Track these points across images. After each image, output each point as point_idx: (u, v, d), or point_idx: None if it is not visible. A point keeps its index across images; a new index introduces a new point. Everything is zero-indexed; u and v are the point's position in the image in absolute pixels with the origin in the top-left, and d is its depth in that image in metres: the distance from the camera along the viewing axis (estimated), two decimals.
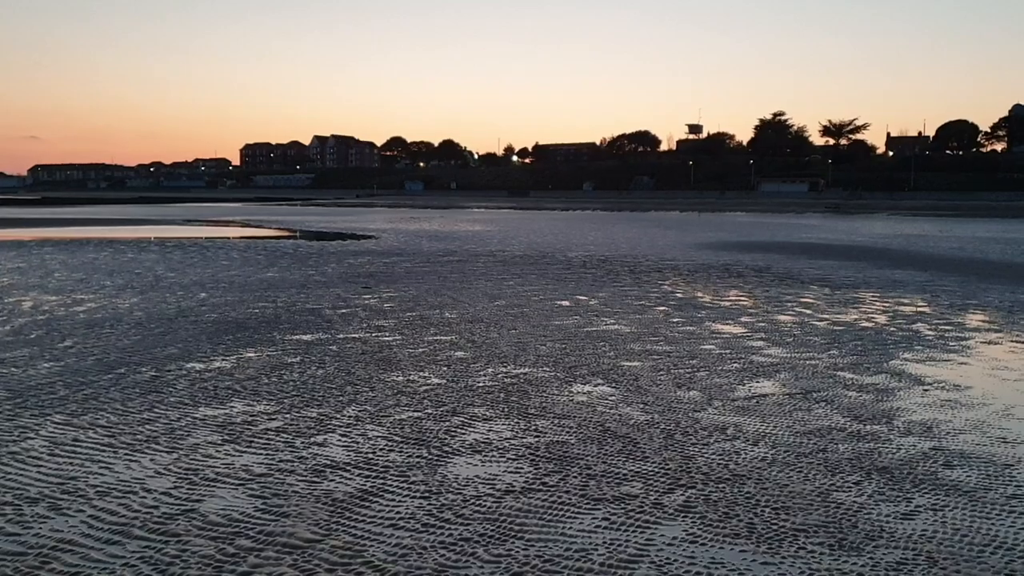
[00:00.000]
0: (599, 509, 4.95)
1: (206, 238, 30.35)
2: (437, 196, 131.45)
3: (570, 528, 4.68)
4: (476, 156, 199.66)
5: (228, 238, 30.70)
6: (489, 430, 6.53)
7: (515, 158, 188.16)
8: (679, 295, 14.69)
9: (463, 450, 6.04)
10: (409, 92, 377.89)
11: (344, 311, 12.52)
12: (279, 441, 6.22)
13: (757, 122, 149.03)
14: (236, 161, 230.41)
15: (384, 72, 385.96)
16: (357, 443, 6.18)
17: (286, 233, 34.81)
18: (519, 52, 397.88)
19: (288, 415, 6.91)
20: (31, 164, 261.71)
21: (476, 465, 5.72)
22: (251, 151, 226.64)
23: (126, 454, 5.88)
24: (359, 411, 7.04)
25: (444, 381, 8.14)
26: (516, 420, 6.81)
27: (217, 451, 5.97)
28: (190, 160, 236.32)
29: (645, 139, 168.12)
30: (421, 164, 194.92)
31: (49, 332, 10.59)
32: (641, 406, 7.24)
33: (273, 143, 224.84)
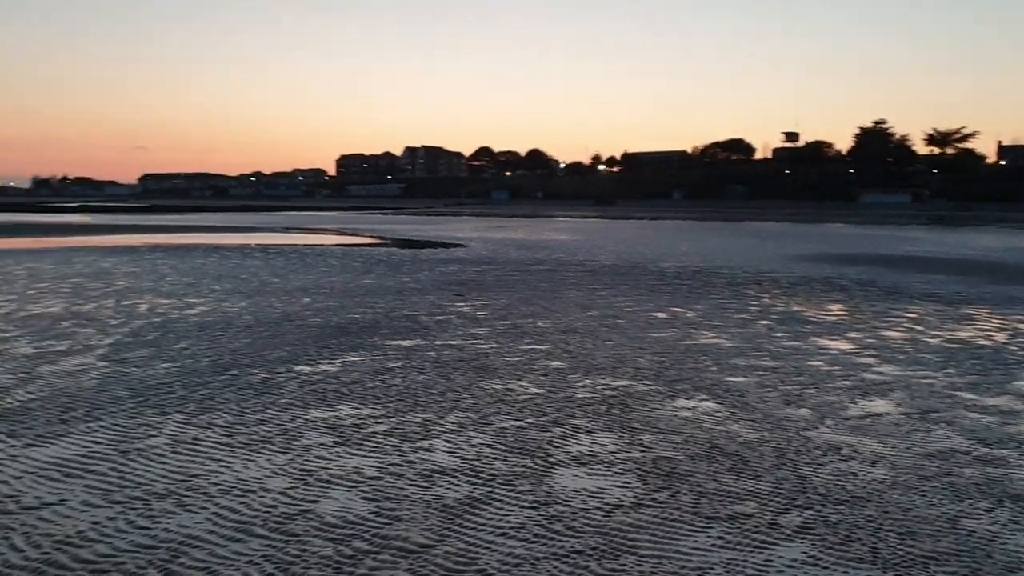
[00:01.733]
0: (713, 527, 4.83)
1: (305, 245, 31.34)
2: (523, 205, 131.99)
3: (684, 546, 4.58)
4: (562, 165, 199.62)
5: (326, 245, 31.61)
6: (592, 443, 6.47)
7: (602, 167, 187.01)
8: (780, 309, 14.27)
9: (568, 461, 6.01)
10: (497, 102, 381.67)
11: (439, 318, 12.68)
12: (387, 445, 6.33)
13: (857, 130, 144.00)
14: (331, 171, 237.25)
15: (473, 82, 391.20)
16: (462, 450, 6.23)
17: (380, 241, 35.60)
18: (608, 59, 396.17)
19: (394, 419, 7.03)
20: (140, 173, 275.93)
21: (582, 478, 5.68)
22: (345, 161, 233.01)
23: (243, 454, 6.09)
24: (461, 417, 7.10)
25: (543, 391, 8.13)
26: (619, 433, 6.73)
27: (329, 453, 6.12)
28: (288, 170, 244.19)
29: (739, 147, 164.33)
30: (508, 173, 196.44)
31: (165, 334, 11.12)
32: (749, 423, 7.05)
33: (366, 154, 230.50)
